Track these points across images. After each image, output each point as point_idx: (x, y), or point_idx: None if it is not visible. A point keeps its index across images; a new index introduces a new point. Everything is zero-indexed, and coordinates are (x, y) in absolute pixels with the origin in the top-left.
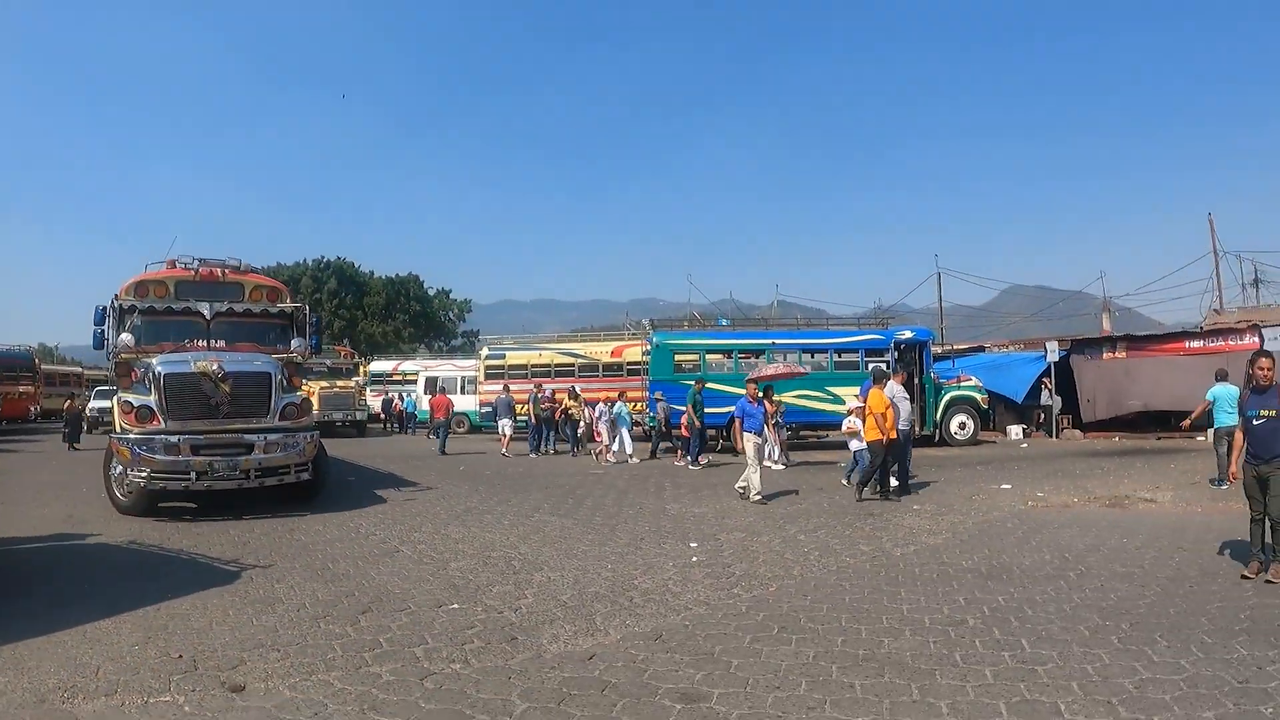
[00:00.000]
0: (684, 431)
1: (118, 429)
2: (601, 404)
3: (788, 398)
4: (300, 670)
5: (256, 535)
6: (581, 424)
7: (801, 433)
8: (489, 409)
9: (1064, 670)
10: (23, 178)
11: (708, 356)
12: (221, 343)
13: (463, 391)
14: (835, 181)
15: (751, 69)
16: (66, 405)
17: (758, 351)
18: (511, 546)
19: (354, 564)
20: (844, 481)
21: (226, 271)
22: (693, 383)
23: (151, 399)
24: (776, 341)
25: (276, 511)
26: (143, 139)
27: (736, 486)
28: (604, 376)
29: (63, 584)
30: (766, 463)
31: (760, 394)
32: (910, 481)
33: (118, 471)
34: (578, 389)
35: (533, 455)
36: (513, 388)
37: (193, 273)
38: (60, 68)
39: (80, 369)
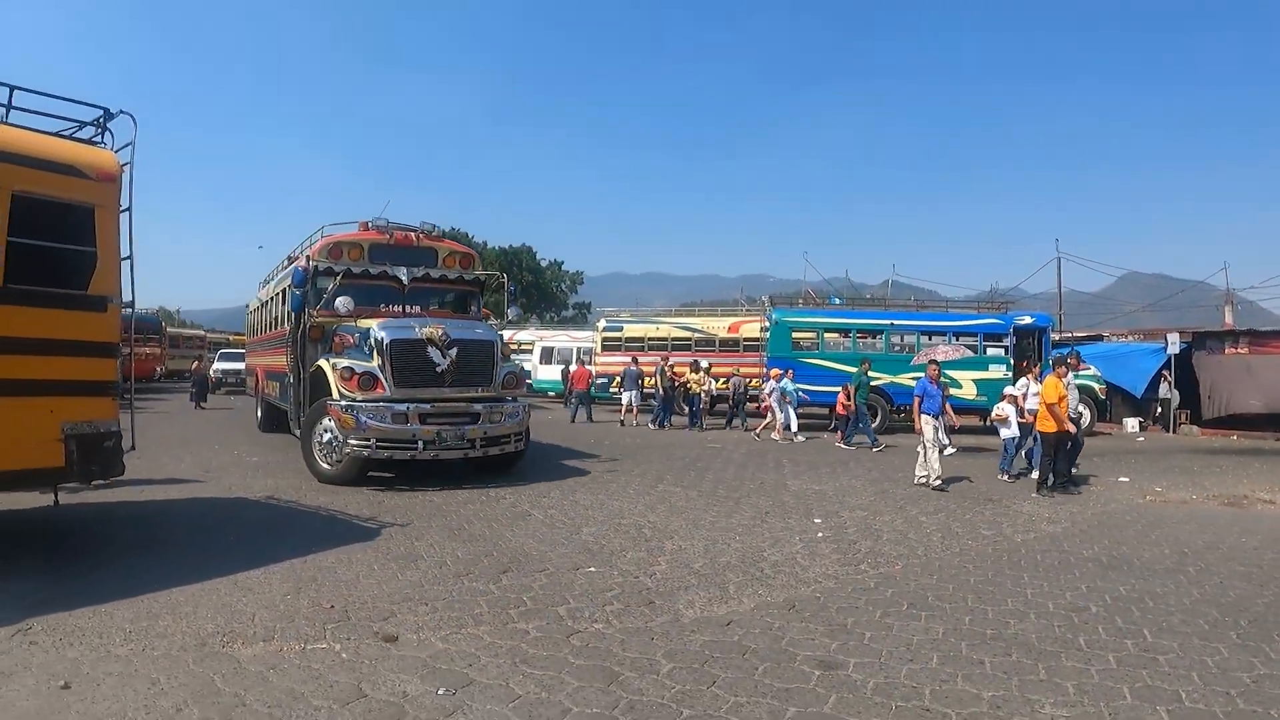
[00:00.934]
0: (840, 410)
1: (335, 395)
2: (771, 381)
3: (904, 379)
4: (449, 624)
5: (390, 495)
6: (705, 398)
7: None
8: (604, 380)
9: (1184, 660)
10: (152, 151)
11: (825, 335)
12: (417, 308)
13: (577, 362)
14: (950, 161)
15: (873, 44)
16: (194, 366)
17: (875, 331)
18: (640, 515)
19: (488, 526)
20: (1001, 475)
21: (421, 236)
22: (860, 364)
23: (374, 364)
24: (895, 322)
25: (468, 482)
26: (262, 111)
27: (917, 474)
28: (720, 351)
29: (208, 536)
30: (839, 444)
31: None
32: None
33: (326, 439)
34: (703, 363)
35: (651, 426)
36: (639, 359)
37: (387, 236)
38: (180, 34)
39: (204, 332)
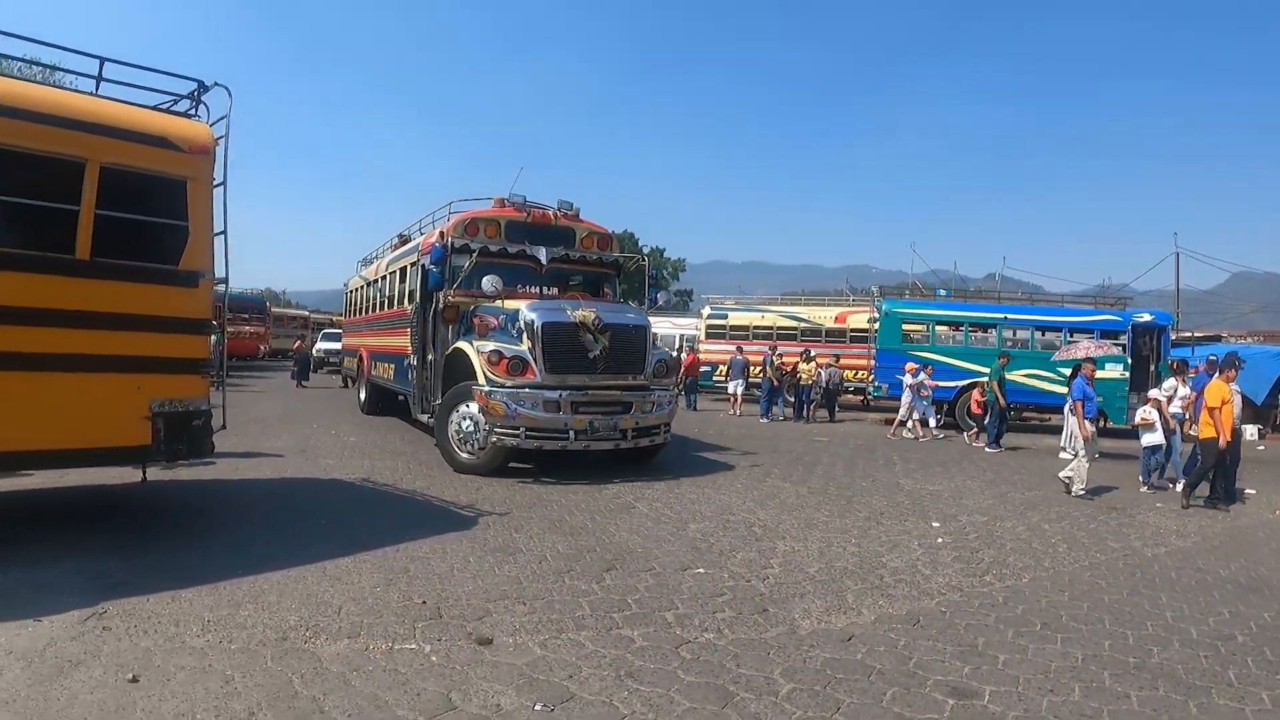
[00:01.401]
0: (975, 408)
1: (481, 380)
2: (907, 375)
3: (1017, 376)
4: (549, 626)
5: (489, 481)
6: (817, 389)
7: (1024, 414)
8: (707, 368)
9: None
10: (260, 136)
11: (936, 328)
12: (554, 291)
13: (685, 350)
14: (1062, 152)
15: (982, 26)
16: (296, 346)
17: (988, 325)
18: (749, 511)
19: (590, 518)
20: (1141, 486)
21: (559, 215)
22: (998, 358)
23: (523, 348)
24: (1009, 316)
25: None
26: (367, 95)
27: (1060, 477)
28: (827, 341)
29: (300, 518)
30: (988, 449)
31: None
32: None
33: (466, 426)
34: (814, 352)
35: (764, 420)
36: (745, 349)
37: (524, 214)
38: (284, 19)
39: (307, 312)
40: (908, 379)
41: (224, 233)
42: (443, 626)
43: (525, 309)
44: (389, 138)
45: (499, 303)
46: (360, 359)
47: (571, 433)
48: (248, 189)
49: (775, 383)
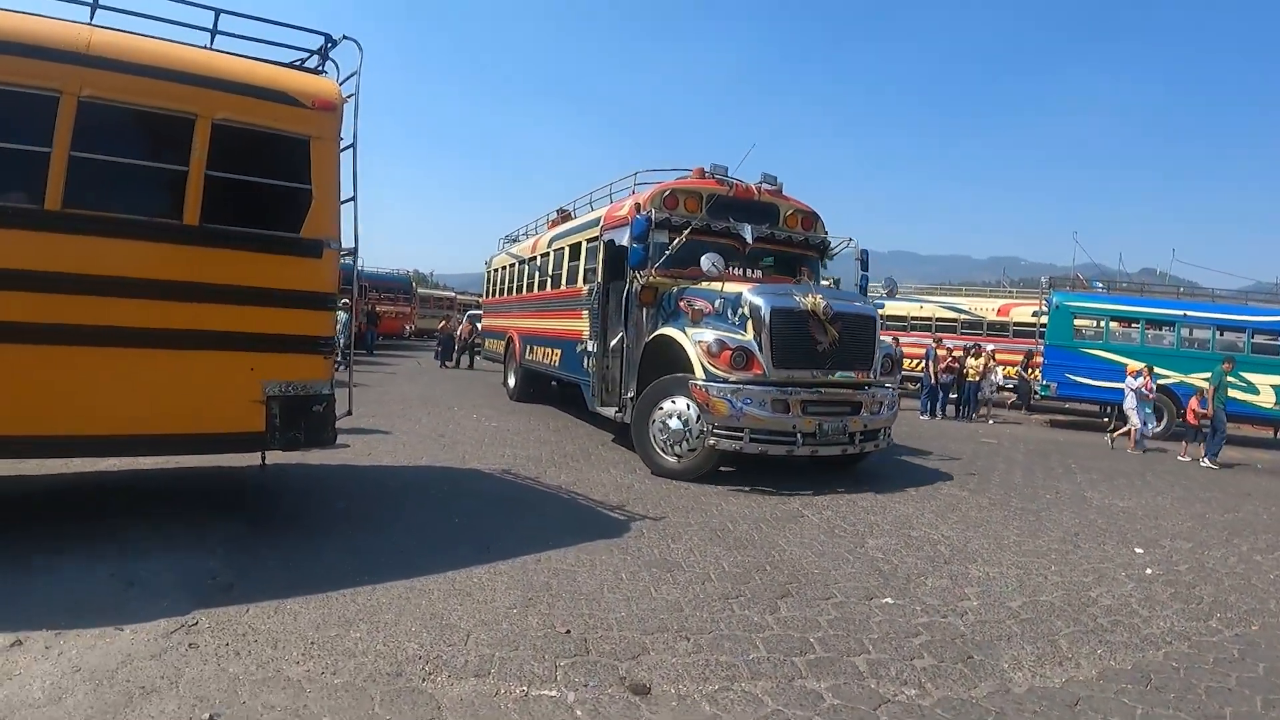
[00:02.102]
0: (1190, 418)
1: (698, 373)
2: (1129, 378)
3: (1196, 379)
4: (718, 672)
5: (640, 478)
6: (988, 387)
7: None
8: None
9: None
10: (412, 123)
11: (1110, 324)
12: (758, 273)
13: None
14: (1230, 140)
15: (1139, 9)
16: (440, 326)
17: (1165, 322)
18: (930, 525)
19: (756, 527)
20: None
21: (764, 190)
22: (1222, 364)
23: (747, 339)
24: (1189, 313)
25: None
26: (515, 84)
27: None
28: (988, 335)
29: (431, 515)
30: (1183, 456)
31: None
32: None
33: (673, 425)
34: (991, 348)
35: (924, 417)
36: (900, 340)
37: (727, 187)
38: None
39: (453, 293)
40: (1130, 382)
41: (354, 199)
42: (590, 666)
43: (749, 293)
44: (532, 125)
45: (711, 285)
46: (510, 342)
47: (799, 436)
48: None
49: (936, 379)
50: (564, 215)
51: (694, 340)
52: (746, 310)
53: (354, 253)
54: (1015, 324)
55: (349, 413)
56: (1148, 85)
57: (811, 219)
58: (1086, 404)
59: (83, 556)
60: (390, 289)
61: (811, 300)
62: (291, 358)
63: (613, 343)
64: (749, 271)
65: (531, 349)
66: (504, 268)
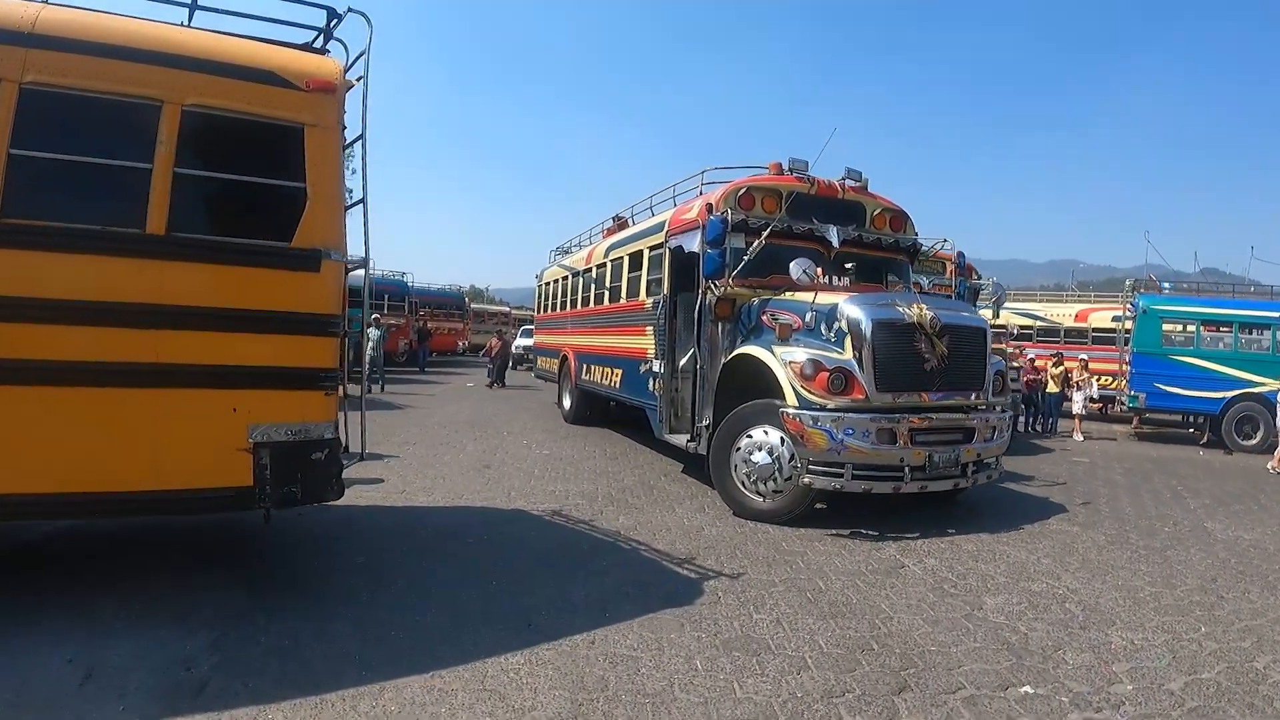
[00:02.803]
0: None
1: (790, 398)
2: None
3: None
4: None
5: (711, 519)
6: (1080, 400)
7: None
8: None
9: None
10: (460, 141)
11: (1201, 329)
12: (845, 281)
13: None
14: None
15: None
16: (493, 344)
17: (1261, 325)
18: (1050, 574)
19: (851, 584)
20: None
21: (848, 187)
22: None
23: (846, 357)
24: None
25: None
26: (567, 101)
27: None
28: (1066, 342)
29: (465, 574)
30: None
31: None
32: None
33: (758, 460)
34: (1086, 358)
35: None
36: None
37: (808, 184)
38: (494, 28)
39: (508, 308)
40: None
41: (364, 201)
42: None
43: (846, 304)
44: (577, 137)
45: (797, 295)
46: (564, 361)
47: (907, 470)
48: (450, 195)
49: (1024, 390)
50: (620, 223)
51: (784, 360)
52: (844, 324)
53: (365, 264)
54: (1095, 330)
55: (360, 456)
56: (1193, 100)
57: (901, 219)
58: (1165, 414)
59: (46, 634)
60: (442, 305)
61: (917, 311)
62: (284, 395)
63: (682, 362)
64: (833, 279)
65: (588, 368)
66: (556, 281)
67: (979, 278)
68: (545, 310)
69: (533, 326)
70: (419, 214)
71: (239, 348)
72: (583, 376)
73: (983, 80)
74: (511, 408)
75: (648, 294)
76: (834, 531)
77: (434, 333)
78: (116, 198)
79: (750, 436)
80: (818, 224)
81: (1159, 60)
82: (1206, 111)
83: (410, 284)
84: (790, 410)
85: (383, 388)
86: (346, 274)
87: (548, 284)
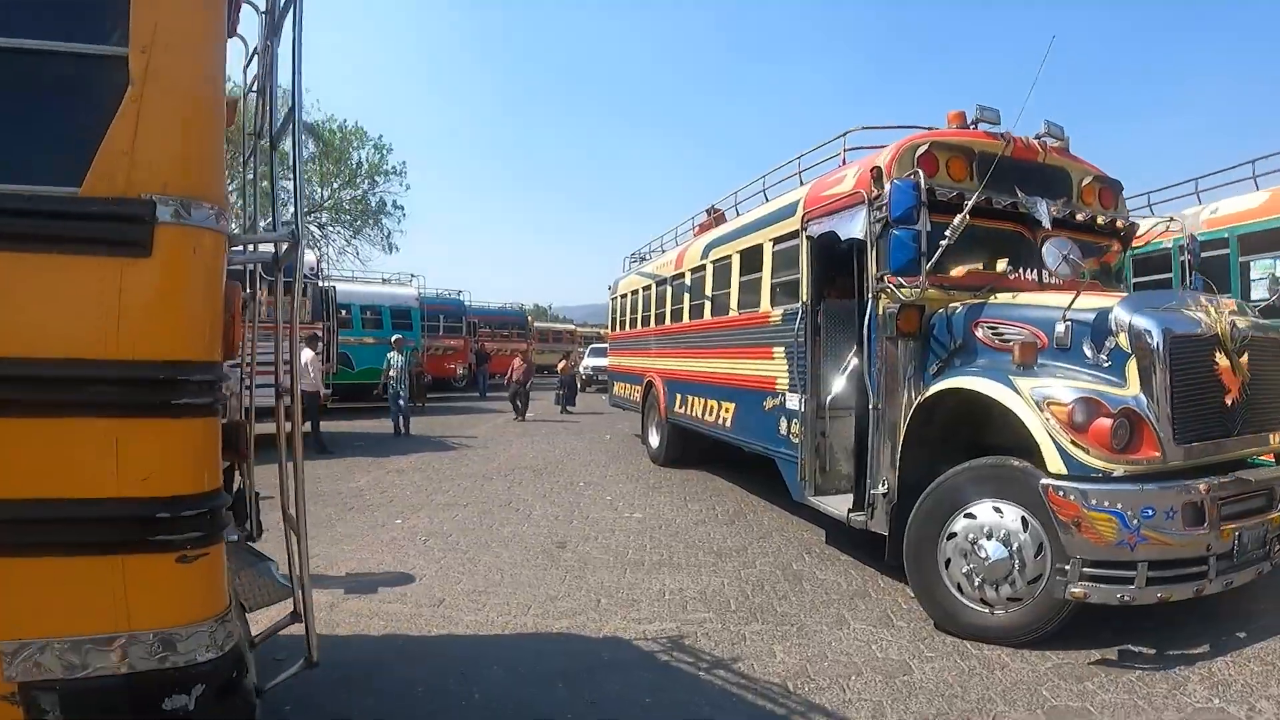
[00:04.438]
0: None
1: (1053, 459)
2: None
3: None
4: None
5: (908, 638)
6: None
7: None
8: None
9: None
10: (518, 160)
11: None
12: (1051, 273)
13: None
14: None
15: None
16: (560, 366)
17: None
18: None
19: None
20: None
21: (1050, 148)
22: None
23: (1132, 394)
24: None
25: None
26: (626, 115)
27: None
28: None
29: None
30: None
31: None
32: None
33: (995, 553)
34: None
35: None
36: None
37: (1003, 141)
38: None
39: (573, 326)
40: None
41: (294, 120)
42: None
43: (1123, 309)
44: (635, 151)
45: (1023, 298)
46: (649, 388)
47: (1212, 561)
48: (510, 210)
49: None
50: (717, 216)
51: (1037, 399)
52: (1124, 340)
53: (296, 244)
54: None
55: (251, 536)
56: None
57: (1113, 191)
58: None
59: None
60: (504, 324)
61: (1213, 316)
62: (88, 569)
63: (831, 395)
64: (1041, 274)
65: (683, 400)
66: (636, 292)
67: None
68: (622, 327)
69: (605, 345)
70: (481, 233)
71: None
72: (675, 409)
73: (1047, 72)
74: (585, 443)
75: (773, 302)
76: (1094, 651)
77: (494, 354)
78: None
79: (972, 516)
80: (1023, 197)
81: None
82: None
83: (468, 303)
84: (1058, 483)
85: (405, 429)
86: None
87: (624, 296)
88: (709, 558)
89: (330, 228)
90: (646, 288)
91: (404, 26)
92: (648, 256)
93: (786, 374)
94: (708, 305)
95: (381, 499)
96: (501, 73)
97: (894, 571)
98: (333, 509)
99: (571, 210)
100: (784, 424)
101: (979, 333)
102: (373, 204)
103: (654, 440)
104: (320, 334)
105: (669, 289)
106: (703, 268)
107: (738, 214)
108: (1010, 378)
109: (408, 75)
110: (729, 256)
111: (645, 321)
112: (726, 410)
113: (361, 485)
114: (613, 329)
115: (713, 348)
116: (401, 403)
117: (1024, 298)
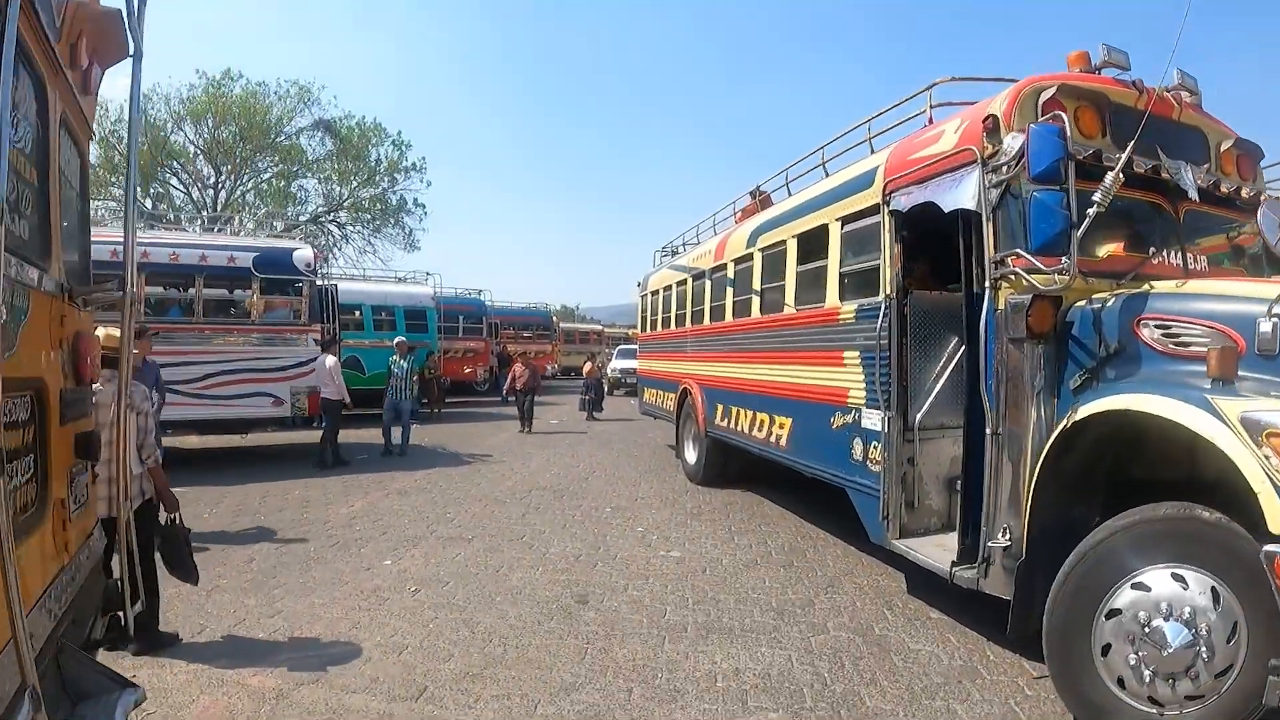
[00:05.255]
0: None
1: (1271, 514)
2: None
3: None
4: None
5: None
6: None
7: None
8: None
9: None
10: (551, 165)
11: None
12: (1177, 256)
13: None
14: None
15: None
16: (585, 369)
17: None
18: None
19: None
20: None
21: (1185, 104)
22: None
23: None
24: None
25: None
26: (646, 120)
27: None
28: None
29: None
30: None
31: None
32: None
33: (1171, 638)
34: None
35: None
36: None
37: (1135, 91)
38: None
39: (600, 327)
40: None
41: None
42: None
43: None
44: (655, 154)
45: (1197, 287)
46: (685, 396)
47: None
48: (542, 214)
49: None
50: (762, 199)
51: (1251, 426)
52: None
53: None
54: None
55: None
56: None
57: (1253, 158)
58: None
59: None
60: (527, 325)
61: None
62: None
63: (921, 411)
64: (1184, 254)
65: (726, 412)
66: (669, 288)
67: None
68: (653, 327)
69: (633, 346)
70: (506, 235)
71: None
72: (716, 422)
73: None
74: (613, 456)
75: (843, 296)
76: None
77: (515, 357)
78: None
79: (1144, 588)
80: (1167, 160)
81: None
82: None
83: (489, 303)
84: None
85: (403, 445)
86: None
87: (654, 292)
88: (768, 617)
89: (350, 227)
90: (681, 283)
91: (431, 27)
92: (682, 249)
93: (862, 385)
94: (755, 301)
95: (374, 530)
96: (527, 70)
97: (1002, 634)
98: (314, 544)
99: (602, 209)
100: (859, 447)
101: (1143, 333)
102: (393, 202)
103: (690, 456)
104: (319, 336)
105: (708, 283)
106: (749, 257)
107: (789, 194)
108: (1207, 397)
109: (438, 77)
110: (782, 243)
111: (680, 321)
112: (781, 426)
113: (355, 511)
114: (642, 329)
115: (763, 351)
116: (401, 415)
117: (1197, 286)
